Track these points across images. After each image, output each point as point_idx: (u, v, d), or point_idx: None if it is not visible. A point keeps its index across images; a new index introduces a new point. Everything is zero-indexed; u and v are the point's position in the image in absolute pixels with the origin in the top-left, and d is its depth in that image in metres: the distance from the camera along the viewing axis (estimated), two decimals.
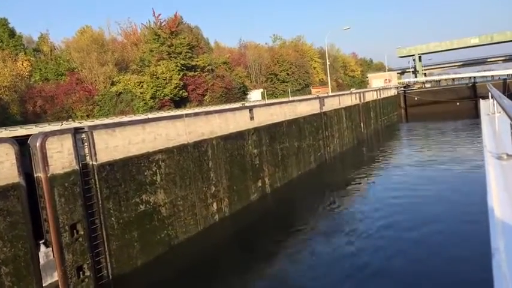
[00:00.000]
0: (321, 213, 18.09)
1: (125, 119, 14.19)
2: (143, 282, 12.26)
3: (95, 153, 11.37)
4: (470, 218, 13.78)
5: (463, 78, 71.72)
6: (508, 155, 3.47)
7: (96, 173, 11.37)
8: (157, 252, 13.13)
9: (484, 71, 67.84)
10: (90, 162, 11.29)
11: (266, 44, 69.26)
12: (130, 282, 11.97)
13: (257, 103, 25.75)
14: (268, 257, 13.39)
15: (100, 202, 11.45)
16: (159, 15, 31.60)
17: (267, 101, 28.39)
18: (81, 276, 10.78)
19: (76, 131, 10.97)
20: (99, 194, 11.42)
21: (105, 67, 27.05)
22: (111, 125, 12.06)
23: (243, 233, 17.34)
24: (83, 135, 11.19)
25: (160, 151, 13.73)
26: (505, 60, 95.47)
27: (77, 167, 10.85)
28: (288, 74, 58.76)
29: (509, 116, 3.32)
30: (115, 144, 11.98)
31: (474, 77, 65.86)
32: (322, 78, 66.38)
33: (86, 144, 11.22)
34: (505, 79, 58.63)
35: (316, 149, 26.90)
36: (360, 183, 22.71)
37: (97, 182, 11.39)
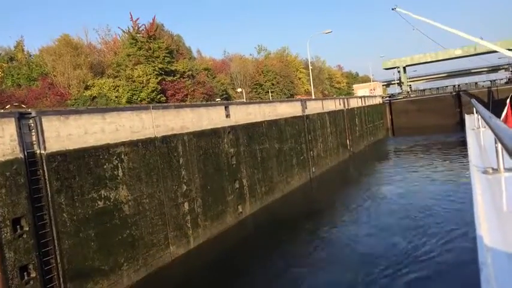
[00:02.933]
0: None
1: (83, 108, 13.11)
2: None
3: (44, 141, 10.28)
4: None
5: (447, 86, 72.08)
6: (493, 169, 3.49)
7: (44, 163, 10.26)
8: (117, 253, 11.97)
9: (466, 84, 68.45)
10: (38, 151, 10.19)
11: (251, 55, 68.98)
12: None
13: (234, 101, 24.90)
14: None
15: (49, 195, 10.32)
16: (137, 19, 30.82)
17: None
18: (26, 277, 9.58)
19: (21, 116, 9.91)
20: (48, 186, 10.29)
21: (78, 70, 26.02)
22: (63, 111, 11.00)
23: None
24: (30, 121, 10.12)
25: (123, 143, 12.67)
26: (489, 71, 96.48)
27: (21, 155, 9.74)
28: (272, 84, 58.26)
29: (492, 131, 3.27)
30: (68, 132, 10.91)
31: (458, 85, 66.07)
32: (307, 89, 65.93)
33: (33, 131, 10.14)
34: (489, 87, 58.80)
35: (299, 153, 25.98)
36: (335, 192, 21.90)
37: (46, 173, 10.27)
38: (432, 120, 53.31)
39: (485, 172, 3.54)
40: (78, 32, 59.78)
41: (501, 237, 2.15)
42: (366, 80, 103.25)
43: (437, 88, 73.91)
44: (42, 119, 10.28)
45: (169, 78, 30.30)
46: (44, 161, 10.25)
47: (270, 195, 21.41)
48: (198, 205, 15.86)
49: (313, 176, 27.36)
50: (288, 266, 13.44)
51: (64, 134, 10.78)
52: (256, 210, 19.75)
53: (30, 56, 34.43)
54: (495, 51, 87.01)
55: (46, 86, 26.68)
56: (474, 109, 7.80)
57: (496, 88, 57.60)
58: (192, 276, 13.86)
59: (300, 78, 66.27)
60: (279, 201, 21.99)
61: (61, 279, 10.33)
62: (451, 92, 59.52)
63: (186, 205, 15.18)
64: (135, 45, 29.87)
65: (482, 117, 5.70)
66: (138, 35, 30.45)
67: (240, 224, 18.21)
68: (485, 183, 3.26)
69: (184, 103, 17.82)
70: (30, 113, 10.17)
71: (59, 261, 10.35)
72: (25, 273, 9.58)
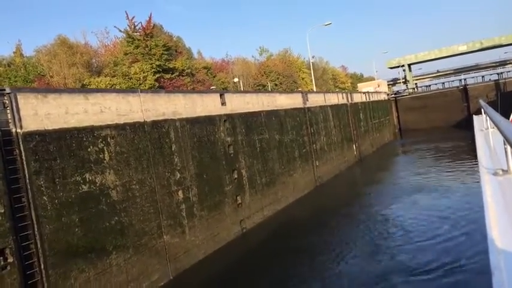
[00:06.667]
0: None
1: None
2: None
3: (20, 120, 9.71)
4: None
5: (453, 81, 71.10)
6: (503, 170, 3.44)
7: (21, 143, 9.68)
8: (105, 240, 11.32)
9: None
10: (14, 130, 9.62)
11: (253, 57, 68.58)
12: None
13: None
14: None
15: (27, 177, 9.72)
16: (133, 17, 30.43)
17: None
18: (2, 262, 8.95)
19: None
20: (25, 167, 9.70)
21: (74, 69, 25.62)
22: (41, 89, 10.48)
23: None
24: (5, 98, 9.57)
25: (109, 126, 12.07)
26: (495, 66, 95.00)
27: None
28: (275, 85, 57.76)
29: (501, 132, 3.26)
30: (47, 111, 10.34)
31: (465, 79, 64.89)
32: (311, 89, 65.30)
33: (8, 108, 9.59)
34: (496, 80, 57.72)
35: (301, 146, 25.25)
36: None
37: (23, 153, 9.69)
38: (440, 116, 52.52)
39: (495, 174, 3.49)
40: (76, 35, 59.76)
41: None
42: (370, 80, 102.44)
43: (443, 83, 72.78)
44: (18, 96, 9.73)
45: (168, 76, 29.85)
46: (20, 140, 9.68)
47: (271, 187, 20.68)
48: (194, 194, 15.20)
49: (316, 170, 26.58)
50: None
51: (42, 112, 10.22)
52: (257, 202, 19.03)
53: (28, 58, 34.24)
54: (501, 46, 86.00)
55: (42, 86, 26.31)
56: (482, 110, 7.67)
57: (504, 81, 56.43)
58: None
59: (303, 79, 65.67)
60: (280, 194, 21.29)
61: (42, 266, 9.69)
62: (457, 86, 58.46)
63: (180, 193, 14.52)
64: (132, 44, 29.50)
65: (490, 118, 5.63)
66: (134, 34, 30.09)
67: (239, 215, 17.51)
68: (495, 185, 3.22)
69: (176, 89, 17.22)
70: (5, 89, 9.63)
71: (39, 246, 9.72)
72: (1, 258, 8.96)
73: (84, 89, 11.70)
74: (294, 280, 12.35)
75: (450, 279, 10.62)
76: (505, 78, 57.99)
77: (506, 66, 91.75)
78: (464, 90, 56.05)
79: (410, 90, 69.14)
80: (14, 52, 37.77)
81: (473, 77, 67.43)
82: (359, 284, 11.39)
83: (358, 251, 13.95)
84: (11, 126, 9.60)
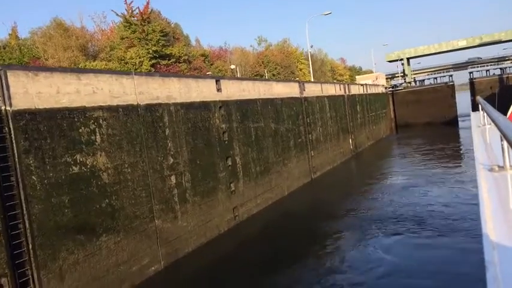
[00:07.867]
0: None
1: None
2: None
3: (10, 97, 9.53)
4: None
5: (445, 76, 71.41)
6: (499, 166, 3.50)
7: (10, 120, 9.51)
8: (95, 222, 11.21)
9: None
10: (3, 107, 9.44)
11: (251, 46, 68.19)
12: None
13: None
14: None
15: (16, 156, 9.57)
16: (131, 2, 30.04)
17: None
18: None
19: None
20: (14, 145, 9.55)
21: (69, 52, 25.31)
22: (32, 67, 10.27)
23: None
24: None
25: (101, 108, 11.90)
26: (495, 62, 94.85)
27: None
28: (273, 75, 57.52)
29: (498, 128, 3.33)
30: (38, 90, 10.16)
31: (471, 73, 64.91)
32: (309, 80, 65.10)
33: None
34: (499, 75, 58.06)
35: (296, 135, 25.15)
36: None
37: (12, 131, 9.53)
38: (435, 111, 52.74)
39: (491, 170, 3.54)
40: (73, 18, 59.02)
41: (507, 235, 2.14)
42: (369, 73, 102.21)
43: (435, 78, 72.79)
44: (8, 73, 9.53)
45: (164, 62, 29.59)
46: (9, 118, 9.51)
47: (265, 176, 20.61)
48: (187, 179, 15.08)
49: (312, 160, 26.52)
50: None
51: (33, 91, 10.03)
52: (250, 190, 18.96)
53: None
54: (500, 42, 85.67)
55: None
56: (480, 106, 7.69)
57: (506, 76, 56.92)
58: None
59: (301, 70, 65.44)
60: (274, 183, 21.24)
61: (30, 246, 9.58)
62: (446, 82, 58.76)
63: (172, 178, 14.41)
64: (129, 28, 29.16)
65: (488, 114, 5.70)
66: (132, 18, 29.73)
67: (232, 202, 17.45)
68: (491, 181, 3.28)
69: (171, 73, 17.02)
70: None
71: (27, 226, 9.60)
72: None
73: (76, 69, 11.49)
74: (287, 263, 12.36)
75: None
76: (508, 74, 58.37)
77: (504, 62, 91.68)
78: (471, 83, 57.05)
79: (405, 84, 69.08)
80: (9, 34, 37.33)
81: (478, 71, 67.61)
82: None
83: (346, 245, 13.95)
84: (0, 103, 9.43)
